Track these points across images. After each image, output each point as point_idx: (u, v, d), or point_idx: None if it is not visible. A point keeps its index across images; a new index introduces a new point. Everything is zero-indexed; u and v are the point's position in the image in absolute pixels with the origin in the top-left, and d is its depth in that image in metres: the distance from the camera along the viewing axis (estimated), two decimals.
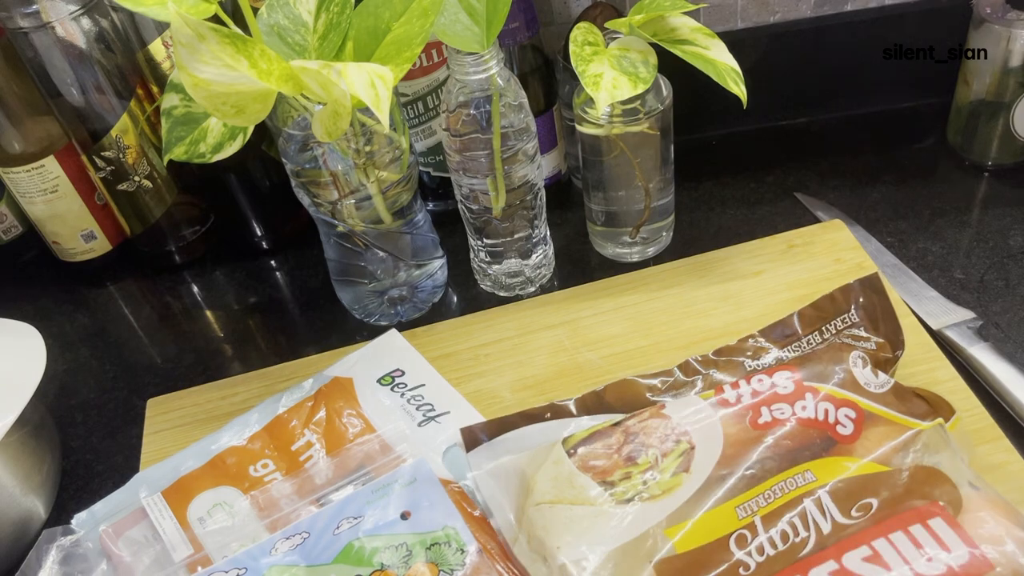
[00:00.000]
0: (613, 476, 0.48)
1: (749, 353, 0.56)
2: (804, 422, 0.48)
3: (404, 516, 0.50)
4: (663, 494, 0.47)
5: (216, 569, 0.49)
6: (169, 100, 0.54)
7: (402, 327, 0.67)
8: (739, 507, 0.46)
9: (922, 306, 0.62)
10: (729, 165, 0.79)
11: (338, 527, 0.50)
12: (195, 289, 0.77)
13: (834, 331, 0.55)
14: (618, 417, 0.52)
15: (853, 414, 0.48)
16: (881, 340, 0.54)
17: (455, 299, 0.70)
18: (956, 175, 0.75)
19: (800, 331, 0.56)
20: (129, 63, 0.69)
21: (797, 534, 0.44)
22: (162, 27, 0.66)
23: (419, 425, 0.57)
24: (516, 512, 0.50)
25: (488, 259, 0.67)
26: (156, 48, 0.67)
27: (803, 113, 0.83)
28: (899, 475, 0.45)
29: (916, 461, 0.46)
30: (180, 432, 0.62)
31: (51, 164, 0.72)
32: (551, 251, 0.69)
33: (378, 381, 0.60)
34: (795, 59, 0.79)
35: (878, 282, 0.56)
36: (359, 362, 0.62)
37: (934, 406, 0.49)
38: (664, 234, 0.70)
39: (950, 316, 0.61)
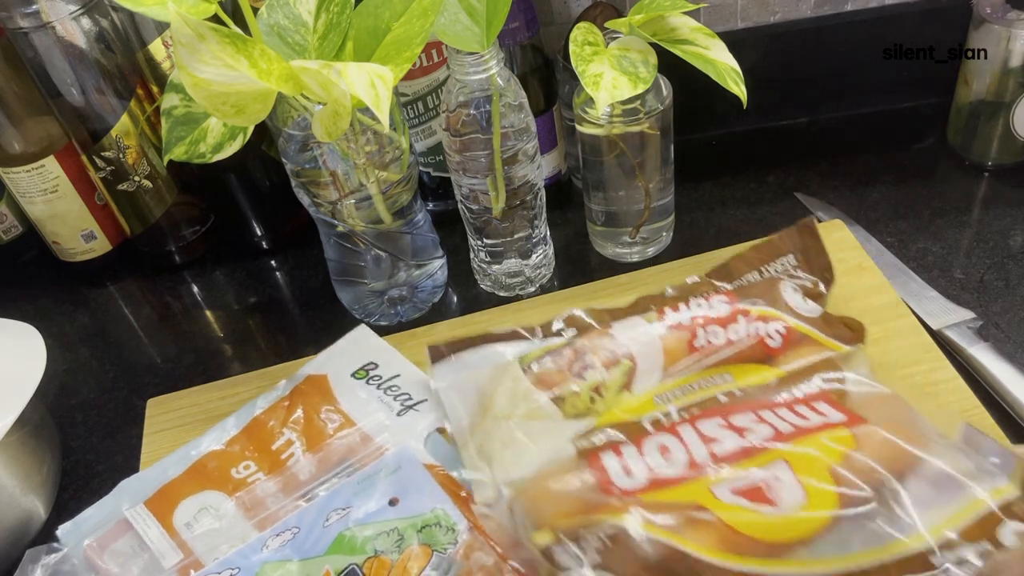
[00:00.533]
0: (563, 392, 0.51)
1: (702, 293, 0.58)
2: (737, 341, 0.52)
3: (392, 503, 0.50)
4: (606, 411, 0.51)
5: (208, 571, 0.49)
6: (169, 100, 0.54)
7: (402, 327, 0.67)
8: (657, 396, 0.50)
9: (922, 306, 0.62)
10: (729, 165, 0.79)
11: (327, 520, 0.50)
12: (195, 289, 0.77)
13: (773, 272, 0.60)
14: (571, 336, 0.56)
15: (783, 330, 0.53)
16: (815, 278, 0.59)
17: (455, 299, 0.70)
18: (956, 175, 0.75)
19: (744, 270, 0.61)
20: (129, 63, 0.69)
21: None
22: (162, 27, 0.66)
23: (398, 415, 0.57)
24: (471, 422, 0.53)
25: (488, 259, 0.67)
26: (156, 48, 0.67)
27: (803, 113, 0.83)
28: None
29: (831, 384, 0.49)
30: (180, 432, 0.62)
31: (51, 164, 0.72)
32: (551, 251, 0.69)
33: (352, 375, 0.60)
34: (795, 59, 0.79)
35: (813, 227, 0.61)
36: (331, 359, 0.62)
37: (857, 333, 0.54)
38: (664, 234, 0.70)
39: (950, 316, 0.61)
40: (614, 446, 0.47)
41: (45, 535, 0.57)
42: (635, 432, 0.48)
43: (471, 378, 0.55)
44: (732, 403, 0.49)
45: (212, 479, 0.55)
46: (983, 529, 0.40)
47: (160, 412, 0.64)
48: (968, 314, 0.61)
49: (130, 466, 0.61)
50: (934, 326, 0.61)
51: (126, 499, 0.55)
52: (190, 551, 0.51)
